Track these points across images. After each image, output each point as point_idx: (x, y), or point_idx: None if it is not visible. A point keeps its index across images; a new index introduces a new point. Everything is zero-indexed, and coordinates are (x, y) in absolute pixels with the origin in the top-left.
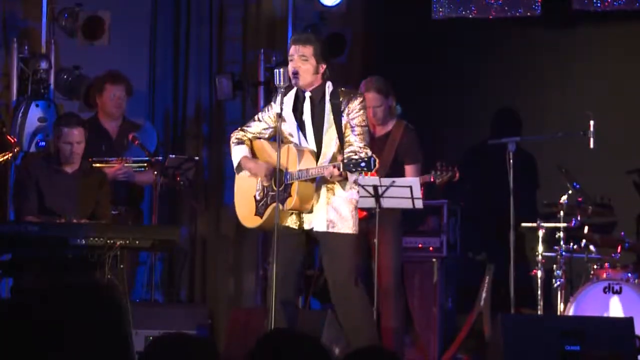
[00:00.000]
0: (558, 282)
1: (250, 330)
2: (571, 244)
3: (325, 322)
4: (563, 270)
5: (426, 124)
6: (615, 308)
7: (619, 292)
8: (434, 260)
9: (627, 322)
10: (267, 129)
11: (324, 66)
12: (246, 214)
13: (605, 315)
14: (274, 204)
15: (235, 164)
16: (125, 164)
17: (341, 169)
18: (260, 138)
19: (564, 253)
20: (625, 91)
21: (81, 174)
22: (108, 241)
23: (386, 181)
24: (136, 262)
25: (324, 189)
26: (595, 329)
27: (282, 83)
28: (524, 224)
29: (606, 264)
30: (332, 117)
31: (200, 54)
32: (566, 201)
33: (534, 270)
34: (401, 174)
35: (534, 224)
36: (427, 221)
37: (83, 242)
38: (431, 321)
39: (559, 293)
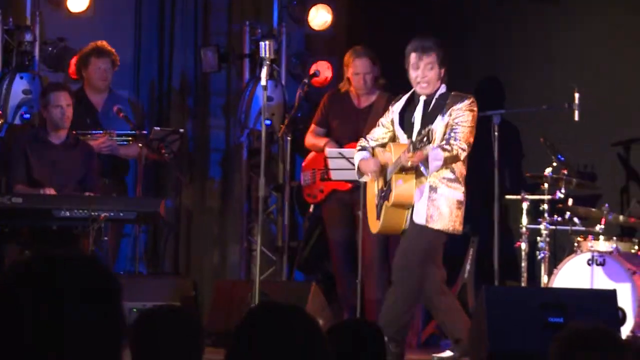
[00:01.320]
0: (542, 255)
1: (235, 302)
2: (555, 216)
3: (310, 294)
4: (547, 243)
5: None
6: (599, 280)
7: (602, 264)
8: None
9: (610, 294)
10: (387, 133)
11: (444, 71)
12: (371, 219)
13: (588, 287)
14: (385, 204)
15: (356, 169)
16: (110, 137)
17: (410, 150)
18: (383, 145)
19: (548, 225)
20: (609, 64)
21: (68, 145)
22: (92, 213)
23: None
24: (120, 234)
25: (426, 187)
26: (579, 301)
27: (267, 55)
28: (508, 196)
29: (590, 236)
30: (436, 116)
31: (186, 26)
32: (550, 173)
33: (518, 243)
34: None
35: (518, 197)
36: None
37: (67, 214)
38: None
39: (542, 265)
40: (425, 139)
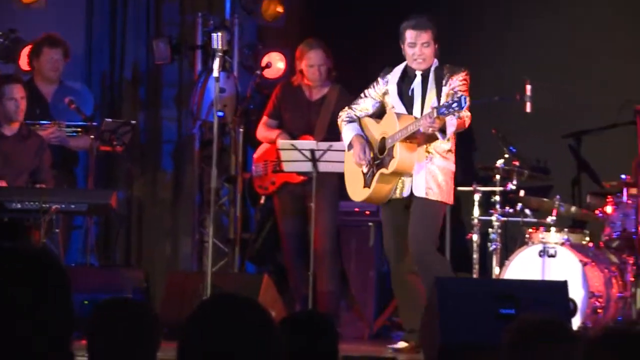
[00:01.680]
0: (493, 246)
1: (187, 294)
2: (507, 207)
3: (262, 285)
4: (498, 234)
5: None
6: (550, 271)
7: (553, 256)
8: (370, 224)
9: (561, 285)
10: (375, 103)
11: (437, 45)
12: (354, 188)
13: (539, 278)
14: (381, 171)
15: (346, 143)
16: (59, 128)
17: (434, 115)
18: (369, 115)
19: (499, 217)
20: (561, 55)
21: (21, 137)
22: (44, 205)
23: (323, 145)
24: (71, 226)
25: (422, 157)
26: (530, 293)
27: (219, 46)
28: (459, 188)
29: (541, 228)
30: (434, 87)
31: (138, 17)
32: (502, 165)
33: (470, 234)
34: (337, 138)
35: (470, 188)
36: None
37: (19, 206)
38: (367, 284)
39: (494, 257)
40: (455, 105)
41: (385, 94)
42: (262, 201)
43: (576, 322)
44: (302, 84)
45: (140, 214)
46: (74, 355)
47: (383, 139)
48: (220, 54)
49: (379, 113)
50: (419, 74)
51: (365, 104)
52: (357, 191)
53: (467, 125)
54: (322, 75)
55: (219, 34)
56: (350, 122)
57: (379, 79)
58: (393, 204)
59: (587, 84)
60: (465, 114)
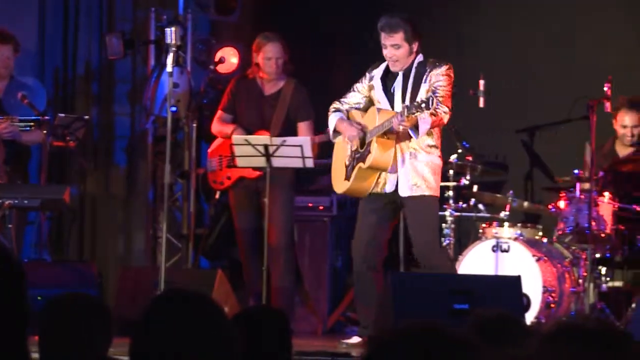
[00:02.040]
0: (447, 241)
1: (140, 289)
2: (460, 202)
3: (216, 281)
4: (452, 229)
5: (319, 83)
6: (503, 266)
7: (507, 251)
8: (324, 219)
9: (515, 280)
10: (363, 98)
11: (417, 44)
12: (337, 179)
13: (493, 273)
14: (359, 165)
15: (331, 131)
16: (12, 123)
17: (405, 114)
18: (357, 108)
19: (452, 212)
20: (514, 51)
21: None
22: None
23: (277, 140)
24: (24, 221)
25: (407, 154)
26: (484, 288)
27: (172, 41)
28: None
29: (495, 223)
30: (414, 84)
31: (90, 12)
32: (456, 160)
33: None
34: (294, 132)
35: None
36: (318, 180)
37: None
38: (321, 280)
39: (448, 251)
40: (423, 105)
41: (371, 89)
42: (217, 196)
43: (530, 317)
44: (257, 78)
45: (94, 209)
46: (29, 352)
47: (364, 133)
48: (173, 49)
49: (367, 107)
50: (400, 72)
51: (353, 98)
52: (338, 183)
53: (445, 122)
54: (278, 68)
55: (172, 29)
56: (335, 112)
57: (366, 73)
58: (373, 199)
59: (540, 79)
60: (442, 109)
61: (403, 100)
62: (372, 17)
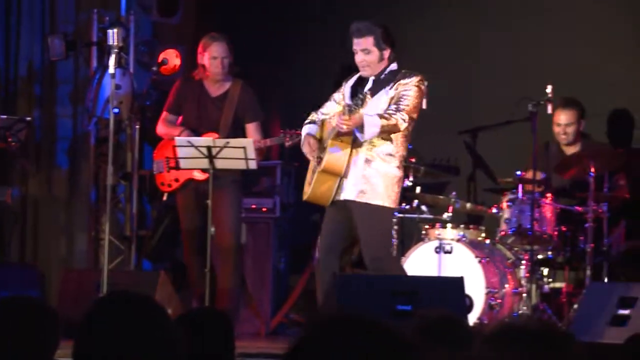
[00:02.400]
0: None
1: (82, 291)
2: (403, 204)
3: (159, 283)
4: (395, 230)
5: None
6: (446, 267)
7: (449, 252)
8: (267, 221)
9: (458, 281)
10: (338, 106)
11: (389, 50)
12: (306, 188)
13: (436, 274)
14: (317, 169)
15: (302, 142)
16: None
17: (346, 112)
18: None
19: (396, 213)
20: (455, 52)
21: None
22: None
23: (220, 142)
24: None
25: (361, 160)
26: (427, 289)
27: (115, 43)
28: None
29: (437, 224)
30: (381, 89)
31: (32, 13)
32: None
33: None
34: (243, 134)
35: None
36: (261, 182)
37: None
38: (264, 282)
39: (398, 261)
40: (360, 102)
41: (344, 96)
42: (164, 198)
43: (472, 318)
44: (203, 79)
45: (36, 211)
46: None
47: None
48: (115, 50)
49: None
50: (371, 79)
51: (328, 108)
52: (305, 190)
53: (401, 128)
54: (224, 68)
55: (115, 30)
56: (308, 123)
57: (343, 82)
58: (335, 205)
59: (482, 80)
60: (399, 115)
61: (375, 106)
62: (310, 20)
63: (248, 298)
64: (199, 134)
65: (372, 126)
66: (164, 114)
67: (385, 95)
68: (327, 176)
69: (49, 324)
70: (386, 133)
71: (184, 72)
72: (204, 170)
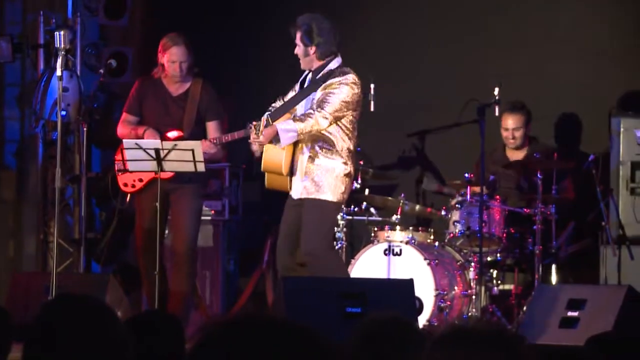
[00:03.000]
0: (339, 245)
1: (31, 294)
2: (352, 206)
3: (108, 285)
4: (344, 233)
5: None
6: (396, 270)
7: (399, 254)
8: (216, 223)
9: (408, 283)
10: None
11: (312, 48)
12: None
13: (386, 277)
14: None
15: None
16: None
17: (254, 132)
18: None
19: (345, 215)
20: (404, 55)
21: None
22: None
23: (168, 144)
24: None
25: (304, 158)
26: (376, 291)
27: (62, 45)
28: None
29: (387, 226)
30: (311, 91)
31: None
32: None
33: None
34: (203, 132)
35: None
36: (209, 184)
37: None
38: (214, 284)
39: (337, 257)
40: (261, 125)
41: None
42: (127, 199)
43: (422, 320)
44: (162, 78)
45: None
46: None
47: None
48: (62, 52)
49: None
50: (309, 75)
51: (288, 97)
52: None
53: (323, 126)
54: (182, 71)
55: (62, 32)
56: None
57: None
58: (288, 203)
59: (431, 83)
60: (320, 113)
61: (306, 105)
62: (259, 17)
63: (198, 300)
64: (161, 133)
65: (287, 132)
66: (124, 115)
67: (315, 95)
68: (273, 175)
69: (1, 327)
70: (307, 134)
71: (131, 75)
72: (144, 172)
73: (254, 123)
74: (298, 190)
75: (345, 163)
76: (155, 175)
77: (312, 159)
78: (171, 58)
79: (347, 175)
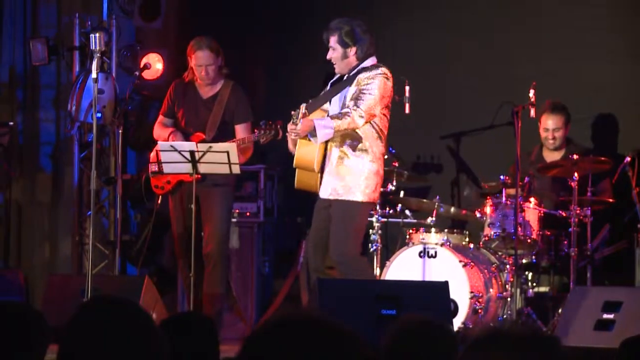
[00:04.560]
0: (374, 247)
1: (67, 296)
2: (387, 208)
3: (143, 287)
4: (379, 235)
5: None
6: (431, 272)
7: (434, 257)
8: (251, 225)
9: (442, 286)
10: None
11: (353, 49)
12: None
13: (420, 279)
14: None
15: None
16: None
17: (293, 120)
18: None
19: (379, 218)
20: (438, 56)
21: None
22: None
23: (203, 146)
24: None
25: (334, 157)
26: (411, 293)
27: (97, 48)
28: None
29: (421, 229)
30: (343, 87)
31: (14, 18)
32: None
33: None
34: (230, 135)
35: None
36: (244, 186)
37: None
38: (248, 286)
39: (375, 257)
40: (300, 113)
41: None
42: (159, 201)
43: (457, 323)
44: (194, 81)
45: (19, 216)
46: None
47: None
48: (98, 55)
49: None
50: (345, 77)
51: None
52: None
53: (359, 124)
54: (208, 74)
55: (97, 34)
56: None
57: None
58: (317, 205)
59: (465, 84)
60: (356, 112)
61: (339, 102)
62: (291, 19)
63: (232, 302)
64: (188, 135)
65: (324, 128)
66: (160, 117)
67: (348, 93)
68: (302, 172)
69: (38, 329)
70: (343, 132)
71: (166, 76)
72: (179, 174)
73: (293, 112)
74: (327, 190)
75: (373, 162)
76: (183, 177)
77: (341, 158)
78: (197, 62)
79: (376, 173)
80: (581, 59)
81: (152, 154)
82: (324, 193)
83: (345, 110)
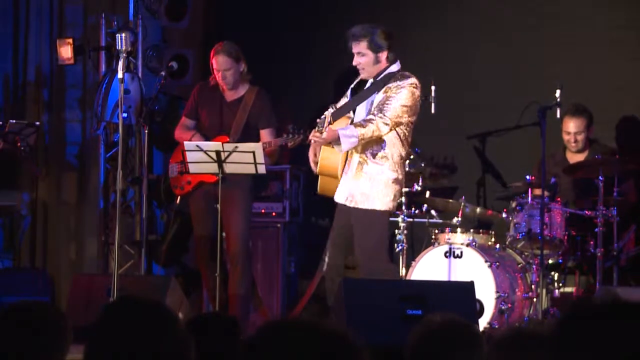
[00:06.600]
0: (400, 247)
1: (93, 296)
2: (413, 208)
3: (169, 287)
4: (405, 235)
5: (276, 85)
6: (456, 272)
7: (459, 257)
8: (277, 225)
9: (468, 286)
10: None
11: (385, 53)
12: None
13: (446, 279)
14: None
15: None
16: None
17: (317, 127)
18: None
19: (405, 218)
20: (464, 58)
21: None
22: None
23: (229, 146)
24: None
25: (354, 163)
26: (437, 293)
27: (123, 48)
28: None
29: (447, 229)
30: (370, 94)
31: (41, 17)
32: (408, 166)
33: None
34: (253, 139)
35: None
36: (270, 186)
37: None
38: (274, 286)
39: (400, 258)
40: (326, 121)
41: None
42: (177, 201)
43: (483, 323)
44: (218, 84)
45: (45, 215)
46: None
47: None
48: (124, 55)
49: None
50: (370, 80)
51: (341, 103)
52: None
53: (383, 132)
54: (227, 79)
55: (123, 34)
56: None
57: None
58: (338, 206)
59: (490, 85)
60: (381, 120)
61: (366, 108)
62: (320, 20)
63: (258, 302)
64: (210, 138)
65: (349, 138)
66: (183, 118)
67: (375, 99)
68: (326, 178)
69: (59, 329)
70: (368, 139)
71: (193, 77)
72: (205, 174)
73: (318, 120)
74: (343, 194)
75: (394, 170)
76: (204, 177)
77: (361, 164)
78: (215, 67)
79: (395, 181)
80: (608, 58)
81: (173, 155)
82: (340, 197)
83: (369, 117)
